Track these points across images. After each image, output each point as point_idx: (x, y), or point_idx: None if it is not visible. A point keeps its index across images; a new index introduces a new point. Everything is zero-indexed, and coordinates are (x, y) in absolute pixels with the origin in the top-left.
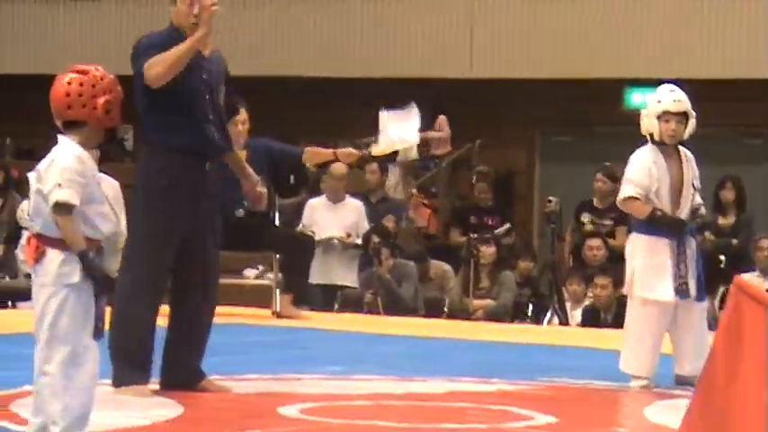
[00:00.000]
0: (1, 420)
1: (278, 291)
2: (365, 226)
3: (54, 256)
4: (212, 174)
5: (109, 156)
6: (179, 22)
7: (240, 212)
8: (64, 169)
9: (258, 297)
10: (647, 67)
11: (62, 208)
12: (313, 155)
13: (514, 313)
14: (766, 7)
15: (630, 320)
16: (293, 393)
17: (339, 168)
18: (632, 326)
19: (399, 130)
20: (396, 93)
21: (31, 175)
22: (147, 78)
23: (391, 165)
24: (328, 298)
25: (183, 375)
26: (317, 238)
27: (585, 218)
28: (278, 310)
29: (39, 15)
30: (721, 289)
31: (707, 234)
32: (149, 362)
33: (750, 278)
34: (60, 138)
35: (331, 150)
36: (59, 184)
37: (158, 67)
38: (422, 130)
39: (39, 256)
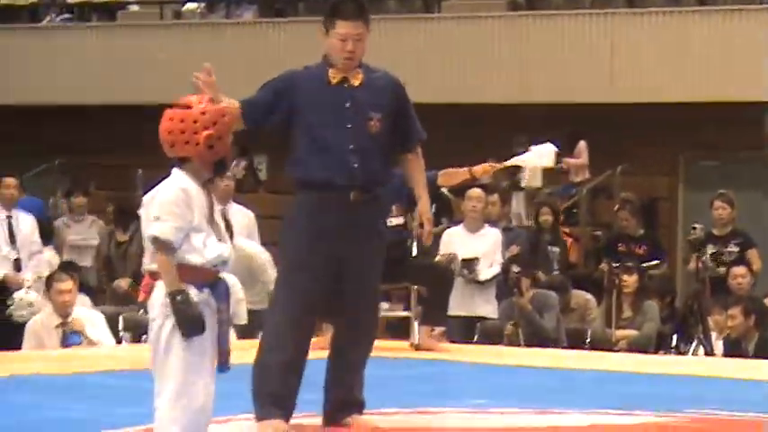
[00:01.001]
0: None
1: (416, 323)
2: (500, 256)
3: (161, 290)
4: (362, 204)
5: (243, 186)
6: (331, 54)
7: None
8: (163, 203)
9: (395, 329)
10: None
11: (157, 242)
12: (448, 177)
13: (658, 344)
14: None
15: None
16: (435, 428)
17: (476, 192)
18: None
19: (536, 154)
20: (536, 118)
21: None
22: None
23: (516, 193)
24: (468, 329)
25: (340, 408)
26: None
27: (711, 248)
28: (417, 342)
29: (174, 45)
30: None
31: None
32: (291, 398)
33: None
34: (173, 170)
35: (466, 169)
36: (157, 218)
37: None
38: (561, 155)
39: (149, 291)
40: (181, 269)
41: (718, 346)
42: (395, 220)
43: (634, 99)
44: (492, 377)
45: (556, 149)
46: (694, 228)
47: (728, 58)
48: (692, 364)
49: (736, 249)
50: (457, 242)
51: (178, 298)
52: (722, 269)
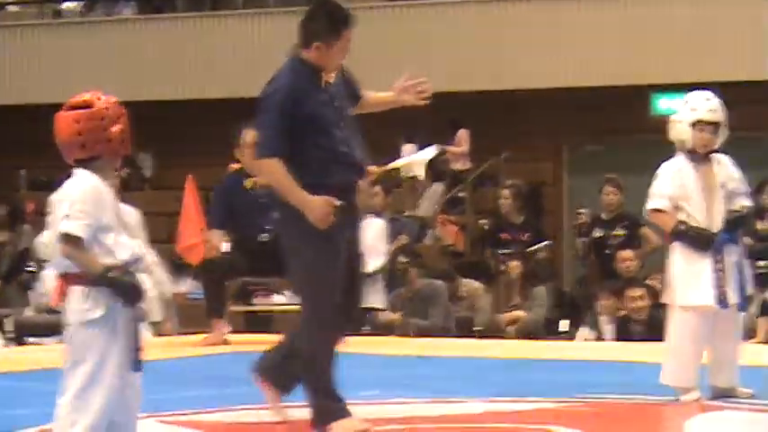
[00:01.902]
0: None
1: None
2: (385, 245)
3: (76, 294)
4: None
5: (128, 185)
6: (319, 63)
7: (264, 237)
8: (74, 201)
9: (287, 323)
10: (674, 71)
11: (68, 239)
12: None
13: (548, 329)
14: None
15: (672, 330)
16: None
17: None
18: (674, 336)
19: (417, 155)
20: (418, 107)
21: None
22: (260, 167)
23: (436, 184)
24: (357, 320)
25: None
26: None
27: (598, 233)
28: None
29: (54, 44)
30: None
31: (746, 239)
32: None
33: None
34: (76, 170)
35: None
36: (67, 216)
37: (270, 178)
38: (442, 144)
39: (63, 296)
40: None
41: (608, 329)
42: None
43: (517, 86)
44: (383, 368)
45: (436, 147)
46: (580, 213)
47: (611, 42)
48: (582, 349)
49: (622, 232)
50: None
51: (109, 275)
52: (609, 252)
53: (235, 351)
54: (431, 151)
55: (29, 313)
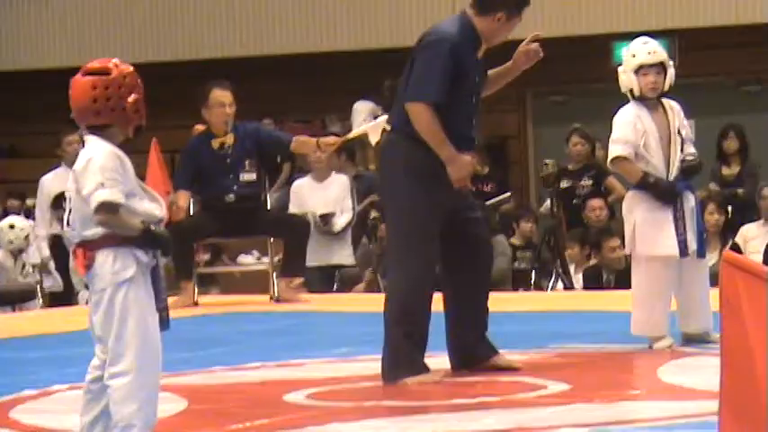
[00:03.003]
0: (2, 428)
1: (275, 275)
2: (351, 202)
3: (104, 258)
4: None
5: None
6: (487, 34)
7: (231, 198)
8: (104, 168)
9: (256, 283)
10: (635, 19)
11: (109, 208)
12: (299, 144)
13: (518, 280)
14: None
15: (637, 280)
16: (298, 379)
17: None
18: (640, 286)
19: (370, 123)
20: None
21: (70, 182)
22: (409, 113)
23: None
24: (327, 279)
25: (470, 355)
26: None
27: (565, 183)
28: (276, 294)
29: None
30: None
31: (711, 185)
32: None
33: (754, 228)
34: (89, 137)
35: (315, 140)
36: (102, 184)
37: (420, 126)
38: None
39: (89, 263)
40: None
41: (578, 279)
42: (248, 176)
43: None
44: (353, 325)
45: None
46: (546, 164)
47: None
48: (553, 299)
49: (590, 183)
50: (306, 192)
51: (150, 228)
52: (577, 201)
53: (205, 313)
54: (382, 119)
55: None
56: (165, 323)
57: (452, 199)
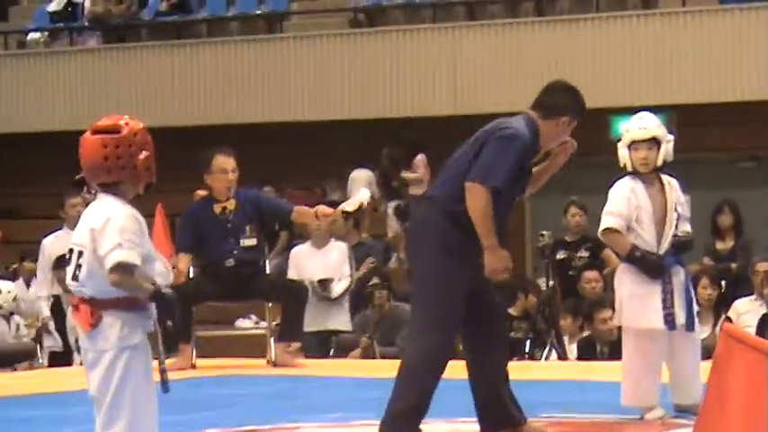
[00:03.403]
0: None
1: (272, 339)
2: (349, 269)
3: (112, 320)
4: None
5: None
6: (548, 137)
7: (231, 262)
8: (123, 229)
9: (253, 347)
10: (634, 94)
11: (125, 268)
12: (300, 215)
13: (513, 349)
14: (751, 31)
15: (627, 352)
16: None
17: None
18: (629, 357)
19: (361, 193)
20: (378, 134)
21: (83, 236)
22: (467, 190)
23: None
24: (323, 344)
25: (496, 418)
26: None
27: (561, 254)
28: (273, 358)
29: (18, 74)
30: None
31: (705, 259)
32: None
33: (747, 302)
34: (101, 195)
35: (313, 211)
36: (120, 245)
37: (474, 207)
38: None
39: (95, 322)
40: (130, 299)
41: (572, 349)
42: (248, 241)
43: (476, 111)
44: (348, 390)
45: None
46: (542, 234)
47: (575, 69)
48: (547, 368)
49: (586, 254)
50: (305, 259)
51: (161, 291)
52: (572, 273)
53: (202, 375)
54: (365, 192)
55: None
56: (165, 385)
57: (476, 275)
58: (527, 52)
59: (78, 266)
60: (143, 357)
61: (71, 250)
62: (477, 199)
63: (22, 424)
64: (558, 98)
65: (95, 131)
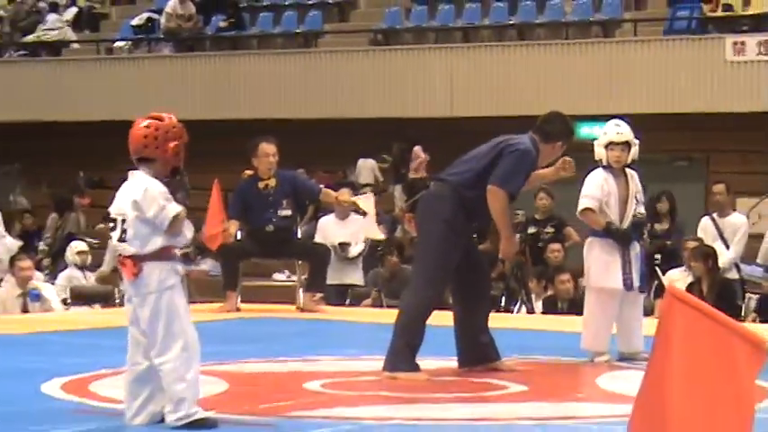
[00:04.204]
0: (83, 398)
1: (301, 290)
2: (363, 236)
3: (151, 269)
4: None
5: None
6: (544, 156)
7: (270, 228)
8: (161, 193)
9: (285, 295)
10: (596, 104)
11: (178, 217)
12: (325, 195)
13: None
14: (688, 55)
15: (588, 307)
16: (315, 371)
17: (344, 191)
18: (590, 311)
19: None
20: (389, 132)
21: (124, 207)
22: (489, 192)
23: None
24: (341, 295)
25: (476, 356)
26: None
27: (532, 229)
28: (301, 305)
29: (106, 74)
30: (656, 282)
31: (645, 237)
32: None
33: (678, 273)
34: (135, 173)
35: (335, 195)
36: (168, 200)
37: (495, 206)
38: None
39: (137, 272)
40: (166, 250)
41: (538, 306)
42: (284, 212)
43: (466, 114)
44: (360, 332)
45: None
46: (517, 213)
47: (551, 82)
48: (518, 319)
49: (552, 230)
50: (330, 227)
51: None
52: (540, 245)
53: (244, 317)
54: (370, 197)
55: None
56: None
57: (468, 244)
58: (510, 68)
59: (124, 231)
60: (180, 296)
61: (113, 219)
62: (498, 200)
63: (101, 350)
64: (555, 126)
65: (146, 118)
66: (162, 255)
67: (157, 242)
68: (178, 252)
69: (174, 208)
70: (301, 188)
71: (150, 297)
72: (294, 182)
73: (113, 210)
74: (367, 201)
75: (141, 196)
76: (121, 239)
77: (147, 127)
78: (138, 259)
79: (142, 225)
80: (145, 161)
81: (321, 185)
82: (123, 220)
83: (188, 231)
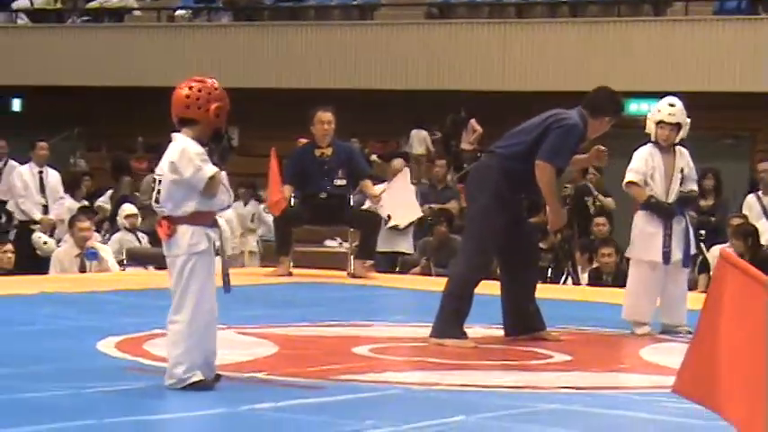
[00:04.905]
0: (136, 356)
1: (352, 257)
2: (417, 206)
3: (183, 232)
4: None
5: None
6: (593, 130)
7: (323, 195)
8: (197, 153)
9: (337, 262)
10: (645, 81)
11: (214, 178)
12: (364, 186)
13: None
14: (738, 35)
15: (631, 278)
16: (364, 336)
17: (397, 160)
18: (632, 282)
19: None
20: (443, 102)
21: (161, 169)
22: (538, 167)
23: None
24: (391, 262)
25: (523, 325)
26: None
27: (588, 200)
28: (352, 271)
29: (167, 39)
30: (700, 257)
31: (692, 213)
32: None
33: (725, 248)
34: (176, 135)
35: (372, 192)
36: (205, 161)
37: (544, 180)
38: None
39: (171, 233)
40: (201, 214)
41: (584, 278)
42: (340, 181)
43: (519, 88)
44: (408, 299)
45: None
46: (566, 187)
47: (599, 57)
48: (564, 291)
49: (598, 204)
50: (385, 196)
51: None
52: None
53: (296, 281)
54: (405, 173)
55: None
56: (227, 287)
57: (517, 214)
58: (563, 44)
59: (158, 192)
60: (207, 262)
61: (155, 179)
62: (545, 174)
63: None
64: (603, 102)
65: (191, 80)
66: (196, 218)
67: (192, 205)
68: (217, 216)
69: (211, 169)
70: (355, 164)
71: (178, 259)
72: (351, 155)
73: (157, 171)
74: (402, 178)
75: (178, 157)
76: (156, 200)
77: (189, 88)
78: (172, 221)
79: (176, 187)
80: (187, 123)
81: (369, 171)
82: (160, 182)
83: (225, 196)
